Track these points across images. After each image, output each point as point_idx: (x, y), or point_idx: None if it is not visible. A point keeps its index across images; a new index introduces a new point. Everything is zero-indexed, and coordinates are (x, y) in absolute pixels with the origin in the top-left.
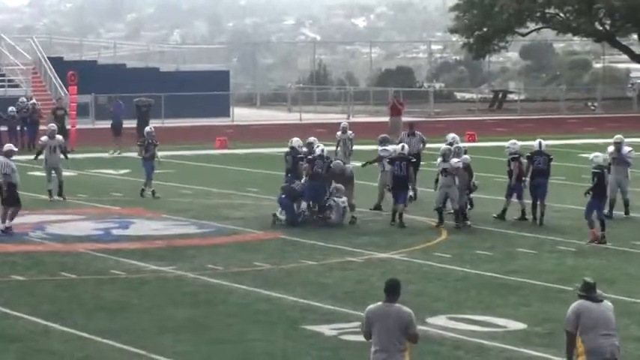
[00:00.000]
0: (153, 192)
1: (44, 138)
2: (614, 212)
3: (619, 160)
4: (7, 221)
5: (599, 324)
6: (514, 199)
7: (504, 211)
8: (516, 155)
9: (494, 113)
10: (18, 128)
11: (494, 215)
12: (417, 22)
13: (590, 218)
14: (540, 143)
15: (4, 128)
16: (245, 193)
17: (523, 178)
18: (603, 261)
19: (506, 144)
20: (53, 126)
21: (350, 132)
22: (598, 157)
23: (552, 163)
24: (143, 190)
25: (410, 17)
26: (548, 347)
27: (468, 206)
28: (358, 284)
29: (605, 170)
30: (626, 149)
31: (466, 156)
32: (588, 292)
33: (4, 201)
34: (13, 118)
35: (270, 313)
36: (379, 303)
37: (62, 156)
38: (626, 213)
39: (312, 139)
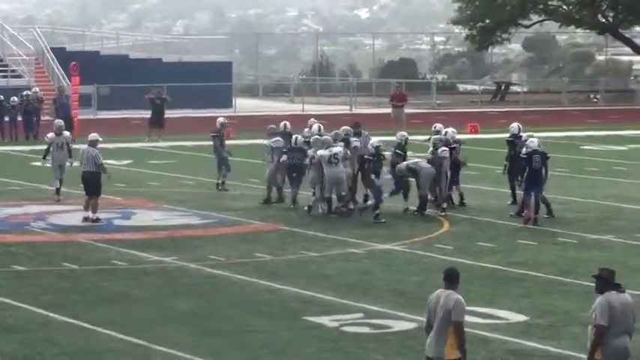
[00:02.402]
0: (218, 184)
1: (50, 135)
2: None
3: None
4: (89, 212)
5: (618, 320)
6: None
7: (451, 197)
8: (453, 145)
9: (497, 105)
10: (19, 118)
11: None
12: (419, 13)
13: (528, 200)
14: (519, 127)
15: (7, 118)
16: (247, 184)
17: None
18: (605, 253)
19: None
20: (60, 122)
21: (317, 125)
22: (533, 141)
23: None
24: (223, 182)
25: (413, 9)
26: (549, 339)
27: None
28: (360, 276)
29: (535, 156)
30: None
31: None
32: (611, 277)
33: (89, 191)
34: (14, 108)
35: (271, 304)
36: (439, 289)
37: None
38: (548, 213)
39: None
